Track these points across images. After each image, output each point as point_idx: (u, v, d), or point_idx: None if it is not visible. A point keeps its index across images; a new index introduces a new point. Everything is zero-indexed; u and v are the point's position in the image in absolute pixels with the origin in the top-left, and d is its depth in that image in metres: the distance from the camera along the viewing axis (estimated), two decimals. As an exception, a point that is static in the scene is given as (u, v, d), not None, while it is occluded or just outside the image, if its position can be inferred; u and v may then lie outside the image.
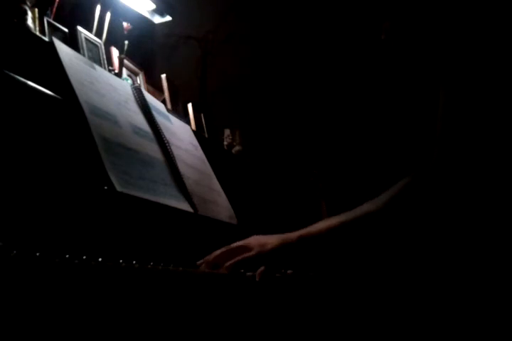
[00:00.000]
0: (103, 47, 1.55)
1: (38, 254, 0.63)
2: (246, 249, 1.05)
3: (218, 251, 1.07)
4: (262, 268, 1.03)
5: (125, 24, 1.69)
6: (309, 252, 1.03)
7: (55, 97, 1.00)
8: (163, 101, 1.77)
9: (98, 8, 1.59)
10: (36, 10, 1.28)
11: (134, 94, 1.33)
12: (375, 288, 1.37)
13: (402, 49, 1.00)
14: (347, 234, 0.99)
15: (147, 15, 1.95)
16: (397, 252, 1.26)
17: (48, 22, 1.34)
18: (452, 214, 0.90)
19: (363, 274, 1.43)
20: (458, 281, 0.91)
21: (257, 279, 1.02)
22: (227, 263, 1.02)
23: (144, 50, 2.15)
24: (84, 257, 0.71)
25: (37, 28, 1.27)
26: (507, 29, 0.86)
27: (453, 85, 0.88)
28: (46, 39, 1.14)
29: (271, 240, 1.05)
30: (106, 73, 1.28)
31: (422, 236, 1.01)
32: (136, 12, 1.88)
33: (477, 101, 0.86)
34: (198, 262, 1.07)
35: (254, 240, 1.07)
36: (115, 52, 1.65)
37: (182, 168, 1.30)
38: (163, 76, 1.95)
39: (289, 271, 1.07)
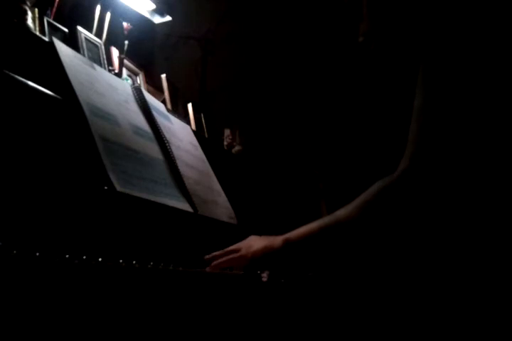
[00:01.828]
0: (103, 47, 1.54)
1: (38, 254, 0.63)
2: (236, 250, 1.12)
3: (217, 253, 1.13)
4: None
5: (125, 24, 1.69)
6: (292, 255, 1.07)
7: (55, 97, 1.00)
8: (163, 101, 1.77)
9: (98, 8, 1.59)
10: (36, 10, 1.28)
11: (134, 94, 1.33)
12: (351, 289, 1.39)
13: (384, 49, 1.00)
14: (324, 238, 1.01)
15: (147, 15, 1.95)
16: (380, 254, 1.27)
17: (48, 22, 1.34)
18: (429, 215, 0.89)
19: (343, 274, 1.45)
20: (440, 285, 0.91)
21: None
22: (213, 263, 1.09)
23: (144, 50, 2.15)
24: (84, 257, 0.71)
25: (37, 28, 1.27)
26: (489, 28, 0.84)
27: (427, 86, 0.87)
28: (46, 39, 1.13)
29: (258, 243, 1.11)
30: (106, 73, 1.28)
31: (404, 237, 1.02)
32: (136, 12, 1.88)
33: (449, 100, 0.84)
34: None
35: (247, 242, 1.14)
36: (115, 52, 1.65)
37: (182, 168, 1.30)
38: (163, 76, 1.95)
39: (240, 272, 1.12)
